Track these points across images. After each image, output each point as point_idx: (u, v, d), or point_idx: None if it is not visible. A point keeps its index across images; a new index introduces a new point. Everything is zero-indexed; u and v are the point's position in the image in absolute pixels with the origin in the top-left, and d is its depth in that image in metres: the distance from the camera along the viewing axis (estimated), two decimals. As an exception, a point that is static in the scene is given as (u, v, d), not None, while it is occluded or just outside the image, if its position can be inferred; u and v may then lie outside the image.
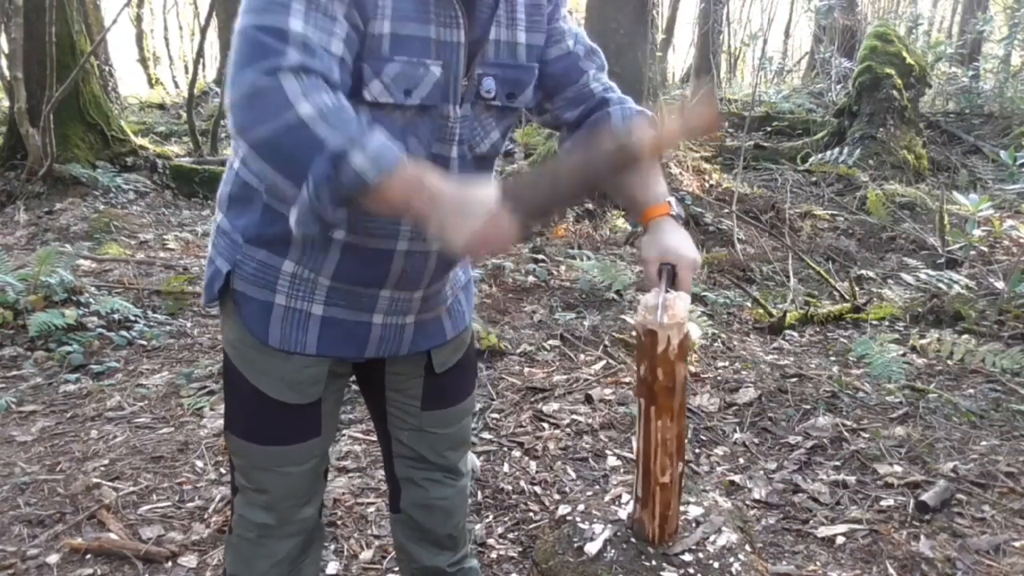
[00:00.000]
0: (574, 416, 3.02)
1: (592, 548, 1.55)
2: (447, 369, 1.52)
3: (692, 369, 3.39)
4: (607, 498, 1.75)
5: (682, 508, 1.67)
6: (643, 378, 1.41)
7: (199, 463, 2.69)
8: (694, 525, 1.61)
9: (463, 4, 1.21)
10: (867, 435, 2.88)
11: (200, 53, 10.13)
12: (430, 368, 1.50)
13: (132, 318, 3.86)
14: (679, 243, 1.38)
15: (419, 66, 1.19)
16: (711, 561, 1.49)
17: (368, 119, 1.17)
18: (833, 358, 3.64)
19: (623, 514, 1.63)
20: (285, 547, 1.50)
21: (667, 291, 1.36)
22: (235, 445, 1.45)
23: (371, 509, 2.45)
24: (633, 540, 1.56)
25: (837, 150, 7.17)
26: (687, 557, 1.49)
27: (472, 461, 2.57)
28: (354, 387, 1.67)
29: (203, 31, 9.64)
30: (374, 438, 2.84)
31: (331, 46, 1.10)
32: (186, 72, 16.60)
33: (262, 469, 1.44)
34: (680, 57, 19.30)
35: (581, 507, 1.71)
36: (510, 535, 2.33)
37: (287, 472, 1.44)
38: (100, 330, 3.70)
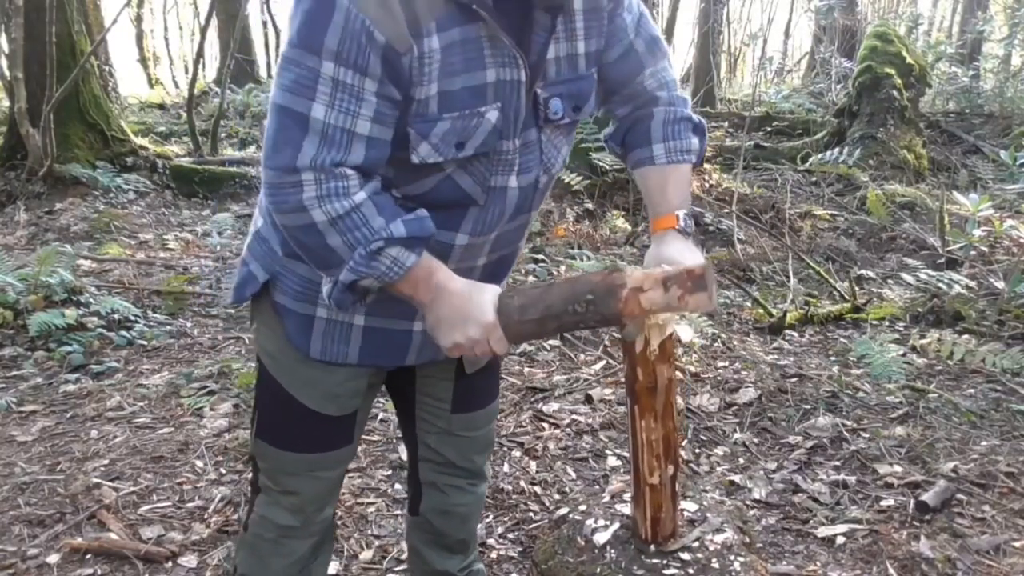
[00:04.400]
0: (574, 416, 3.02)
1: (601, 538, 1.56)
2: (477, 370, 1.50)
3: (692, 369, 3.39)
4: (607, 497, 1.75)
5: (682, 508, 1.67)
6: (626, 377, 1.42)
7: (199, 463, 2.69)
8: (693, 524, 1.61)
9: (512, 35, 1.14)
10: (867, 435, 2.88)
11: (200, 53, 10.13)
12: (460, 370, 1.49)
13: (132, 318, 3.86)
14: (681, 255, 1.34)
15: (472, 117, 1.15)
16: (711, 561, 1.49)
17: (413, 173, 1.18)
18: (833, 358, 3.64)
19: (626, 510, 1.63)
20: (303, 547, 1.51)
21: None
22: (264, 451, 1.45)
23: (371, 509, 2.45)
24: (630, 540, 1.56)
25: (837, 150, 7.15)
26: (687, 556, 1.49)
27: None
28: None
29: (203, 31, 9.63)
30: (374, 438, 2.84)
31: (356, 127, 1.10)
32: (186, 72, 16.59)
33: (293, 474, 1.44)
34: (680, 57, 19.28)
35: (582, 507, 1.71)
36: (510, 535, 2.33)
37: (319, 477, 1.45)
38: (100, 330, 3.70)
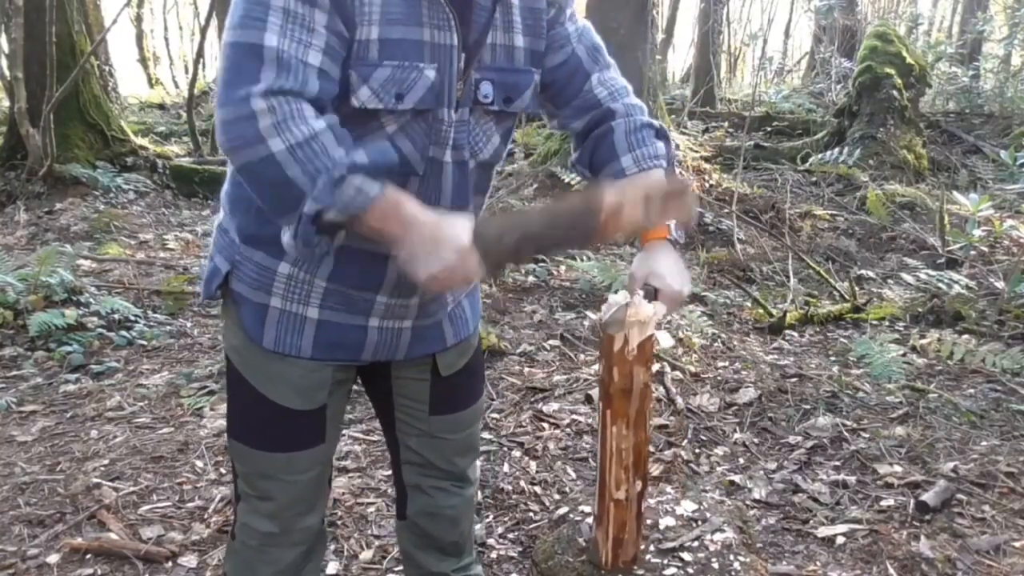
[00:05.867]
0: (574, 416, 3.02)
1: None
2: (453, 373, 1.50)
3: (692, 369, 3.39)
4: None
5: (681, 507, 1.67)
6: (600, 378, 1.39)
7: (199, 463, 2.69)
8: (693, 524, 1.61)
9: (454, 6, 1.19)
10: (867, 435, 2.88)
11: (200, 53, 10.14)
12: (436, 372, 1.48)
13: (132, 318, 3.86)
14: (668, 270, 1.35)
15: (411, 69, 1.18)
16: (711, 560, 1.49)
17: (357, 127, 1.16)
18: (833, 358, 3.64)
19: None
20: (289, 555, 1.48)
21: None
22: (239, 451, 1.44)
23: (371, 509, 2.45)
24: (589, 563, 1.50)
25: (837, 150, 7.16)
26: (687, 556, 1.49)
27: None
28: (355, 387, 1.67)
29: (203, 31, 9.64)
30: (374, 438, 2.84)
31: (308, 57, 1.10)
32: (186, 72, 16.59)
33: (267, 477, 1.42)
34: (680, 57, 19.28)
35: (582, 507, 1.71)
36: (510, 535, 2.33)
37: (292, 480, 1.42)
38: (100, 330, 3.70)
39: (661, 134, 1.42)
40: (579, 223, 1.16)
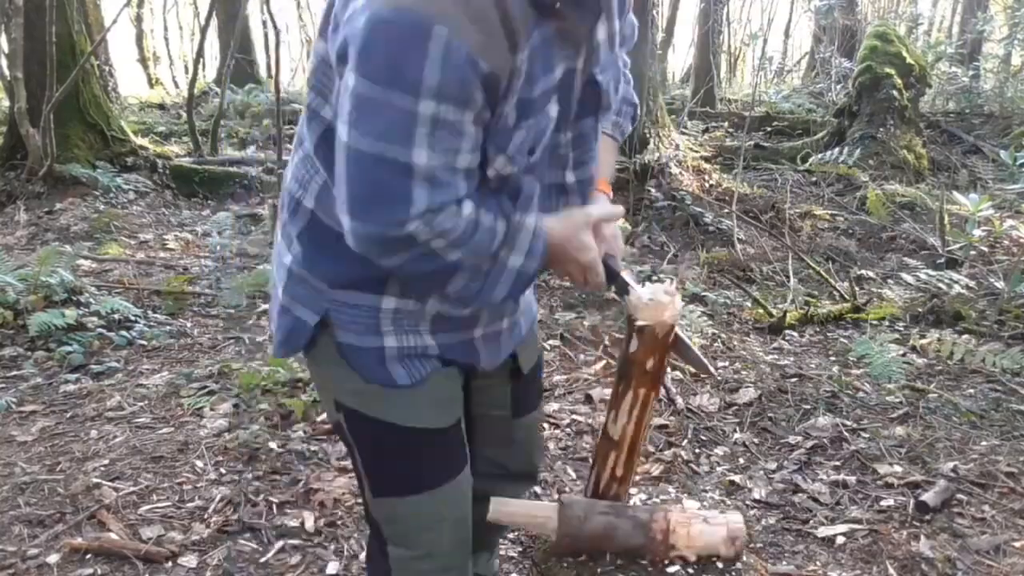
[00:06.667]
0: (574, 416, 3.02)
1: None
2: (531, 368, 1.47)
3: (692, 369, 3.39)
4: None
5: (680, 506, 1.67)
6: (622, 354, 1.39)
7: (199, 463, 2.69)
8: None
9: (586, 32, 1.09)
10: (867, 435, 2.88)
11: (200, 53, 10.13)
12: (516, 372, 1.44)
13: (132, 318, 3.86)
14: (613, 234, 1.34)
15: (542, 119, 1.07)
16: (714, 560, 1.49)
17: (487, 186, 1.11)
18: (833, 358, 3.64)
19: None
20: None
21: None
22: (391, 510, 1.30)
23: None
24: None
25: (837, 150, 7.15)
26: (691, 556, 1.49)
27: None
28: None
29: (203, 31, 9.63)
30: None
31: (458, 163, 1.00)
32: (186, 72, 16.60)
33: (428, 526, 1.29)
34: (680, 57, 19.29)
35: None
36: (510, 535, 2.33)
37: (452, 519, 1.31)
38: (100, 330, 3.70)
39: (634, 118, 1.45)
40: None
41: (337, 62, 1.00)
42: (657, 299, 1.30)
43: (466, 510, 1.33)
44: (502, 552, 2.25)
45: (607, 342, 3.71)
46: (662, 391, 3.16)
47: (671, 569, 1.46)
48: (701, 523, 1.40)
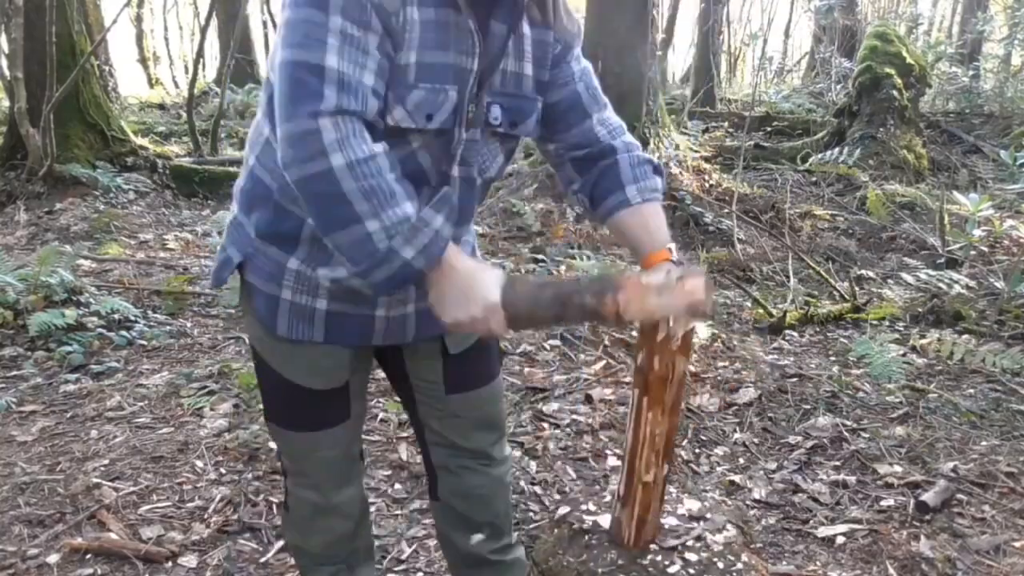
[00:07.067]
0: (574, 416, 3.02)
1: (605, 521, 1.57)
2: (464, 351, 1.53)
3: (692, 369, 3.39)
4: (608, 497, 1.75)
5: (684, 505, 1.67)
6: (640, 366, 1.40)
7: (199, 463, 2.69)
8: (695, 521, 1.61)
9: (480, 34, 1.26)
10: (867, 435, 2.88)
11: (200, 53, 10.13)
12: (445, 350, 1.52)
13: (132, 318, 3.86)
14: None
15: (440, 92, 1.25)
16: (714, 560, 1.49)
17: (385, 141, 1.21)
18: (833, 358, 3.64)
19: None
20: (339, 526, 1.60)
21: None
22: (274, 432, 1.56)
23: (371, 509, 2.45)
24: (607, 543, 1.54)
25: (837, 150, 7.16)
26: (691, 556, 1.49)
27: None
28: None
29: (203, 31, 9.64)
30: (375, 438, 2.84)
31: (364, 78, 1.16)
32: (186, 72, 16.60)
33: (301, 455, 1.54)
34: (680, 57, 19.30)
35: (583, 506, 1.71)
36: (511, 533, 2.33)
37: (323, 456, 1.53)
38: (100, 330, 3.70)
39: (658, 170, 1.50)
40: (591, 306, 1.24)
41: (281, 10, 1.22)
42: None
43: (338, 452, 1.55)
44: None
45: (607, 342, 3.71)
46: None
47: (671, 569, 1.46)
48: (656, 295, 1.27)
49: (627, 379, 3.31)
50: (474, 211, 1.47)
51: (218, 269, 1.45)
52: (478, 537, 1.70)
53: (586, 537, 1.58)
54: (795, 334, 3.93)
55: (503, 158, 1.44)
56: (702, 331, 3.61)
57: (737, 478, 2.63)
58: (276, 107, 1.17)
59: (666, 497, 1.68)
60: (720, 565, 1.48)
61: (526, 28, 1.34)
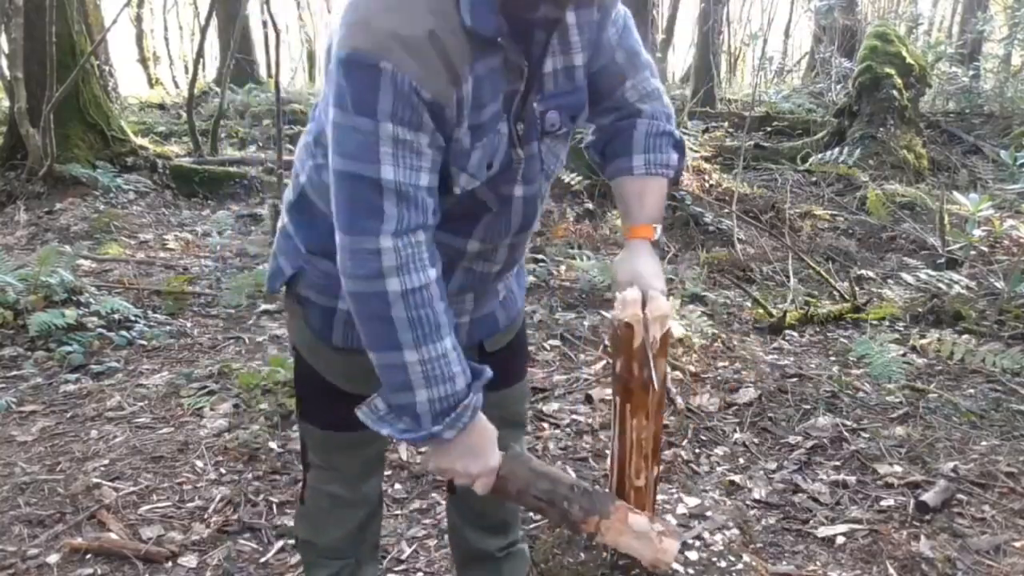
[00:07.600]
0: (574, 416, 3.02)
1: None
2: (498, 350, 1.54)
3: (692, 369, 3.39)
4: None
5: (684, 505, 1.67)
6: (619, 374, 1.38)
7: (199, 463, 2.69)
8: (695, 521, 1.61)
9: (525, 56, 1.19)
10: (867, 435, 2.88)
11: (200, 53, 10.13)
12: (482, 349, 1.52)
13: (132, 318, 3.86)
14: (652, 272, 1.38)
15: (494, 136, 1.21)
16: (714, 560, 1.49)
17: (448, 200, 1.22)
18: (833, 358, 3.64)
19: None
20: (356, 516, 1.63)
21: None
22: (309, 432, 1.57)
23: (371, 509, 2.45)
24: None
25: (837, 150, 7.15)
26: (692, 556, 1.49)
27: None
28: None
29: (203, 31, 9.63)
30: (374, 438, 2.84)
31: (420, 181, 1.14)
32: (186, 72, 16.60)
33: (336, 452, 1.56)
34: (680, 57, 19.29)
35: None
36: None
37: (362, 453, 1.57)
38: (100, 330, 3.70)
39: (679, 146, 1.44)
40: (572, 522, 1.32)
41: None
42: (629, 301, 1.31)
43: (371, 452, 1.60)
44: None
45: (607, 342, 3.71)
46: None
47: (671, 568, 1.46)
48: (632, 538, 1.34)
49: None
50: (535, 216, 1.41)
51: (271, 278, 1.46)
52: (495, 542, 1.74)
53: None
54: (795, 334, 3.93)
55: (565, 150, 1.39)
56: (677, 330, 3.60)
57: (737, 478, 2.63)
58: (335, 210, 1.16)
59: (666, 497, 1.68)
60: (720, 565, 1.48)
61: (570, 17, 1.24)
